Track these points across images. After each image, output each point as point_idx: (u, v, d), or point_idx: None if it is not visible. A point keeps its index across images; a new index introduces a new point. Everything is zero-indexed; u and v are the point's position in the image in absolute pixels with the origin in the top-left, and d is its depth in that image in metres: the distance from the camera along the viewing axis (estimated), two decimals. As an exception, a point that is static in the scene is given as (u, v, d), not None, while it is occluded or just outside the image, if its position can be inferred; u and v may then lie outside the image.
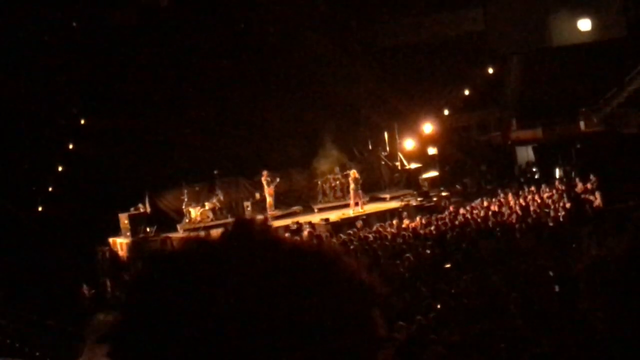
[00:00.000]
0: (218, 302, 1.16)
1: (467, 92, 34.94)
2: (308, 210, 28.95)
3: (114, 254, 26.77)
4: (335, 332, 1.18)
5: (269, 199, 27.86)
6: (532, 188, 25.57)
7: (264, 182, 27.74)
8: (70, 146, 28.42)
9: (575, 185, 24.31)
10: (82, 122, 28.61)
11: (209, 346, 1.14)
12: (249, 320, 1.15)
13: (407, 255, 18.25)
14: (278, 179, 28.00)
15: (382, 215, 26.36)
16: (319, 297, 1.20)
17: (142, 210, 27.79)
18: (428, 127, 32.86)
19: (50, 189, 28.01)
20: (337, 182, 29.76)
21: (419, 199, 28.68)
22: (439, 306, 12.89)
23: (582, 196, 22.67)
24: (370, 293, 1.27)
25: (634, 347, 2.00)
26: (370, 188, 30.42)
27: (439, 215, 24.19)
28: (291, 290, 1.19)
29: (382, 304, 1.28)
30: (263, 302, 1.17)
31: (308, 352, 1.16)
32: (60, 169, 28.27)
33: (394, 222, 24.12)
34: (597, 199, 21.95)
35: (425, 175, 30.65)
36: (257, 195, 28.48)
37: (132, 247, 25.69)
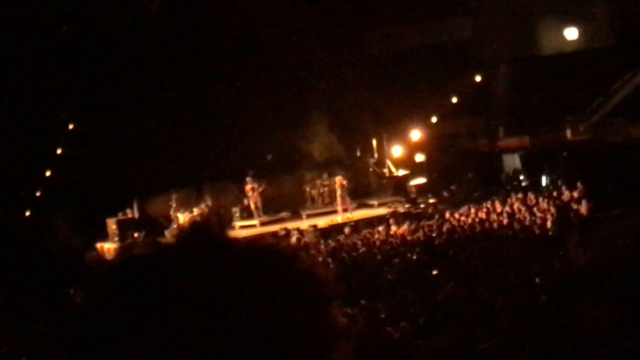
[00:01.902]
0: (173, 303, 1.18)
1: (455, 100, 35.03)
2: (296, 216, 28.97)
3: (101, 259, 26.71)
4: (291, 327, 1.21)
5: (253, 206, 27.90)
6: (519, 196, 25.67)
7: (248, 189, 27.77)
8: (59, 151, 28.35)
9: (562, 194, 24.42)
10: (71, 127, 28.55)
11: (164, 349, 1.16)
12: (203, 322, 1.16)
13: (396, 260, 18.31)
14: (263, 185, 28.01)
15: (370, 222, 26.41)
16: (274, 294, 1.22)
17: (130, 215, 27.77)
18: (416, 134, 32.97)
19: (38, 193, 27.94)
20: (326, 189, 29.80)
21: (406, 205, 28.76)
22: (425, 313, 12.93)
23: (569, 204, 22.78)
24: (326, 288, 1.29)
25: (633, 348, 2.03)
26: (359, 194, 30.49)
27: (427, 222, 24.27)
28: (246, 289, 1.21)
29: (337, 298, 1.30)
30: (218, 303, 1.18)
31: (265, 347, 1.18)
32: (48, 173, 28.20)
33: (382, 228, 24.18)
34: (583, 207, 22.06)
35: (413, 182, 30.73)
36: (245, 201, 28.52)
37: (119, 253, 25.61)
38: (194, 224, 1.33)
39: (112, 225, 26.98)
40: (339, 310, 1.29)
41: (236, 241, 1.31)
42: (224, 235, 1.32)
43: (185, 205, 28.17)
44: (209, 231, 1.30)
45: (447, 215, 24.78)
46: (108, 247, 26.78)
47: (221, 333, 1.16)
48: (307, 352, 1.22)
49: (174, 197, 28.02)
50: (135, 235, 26.62)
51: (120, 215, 27.37)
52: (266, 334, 1.18)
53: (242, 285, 1.21)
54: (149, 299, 1.20)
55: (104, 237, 27.39)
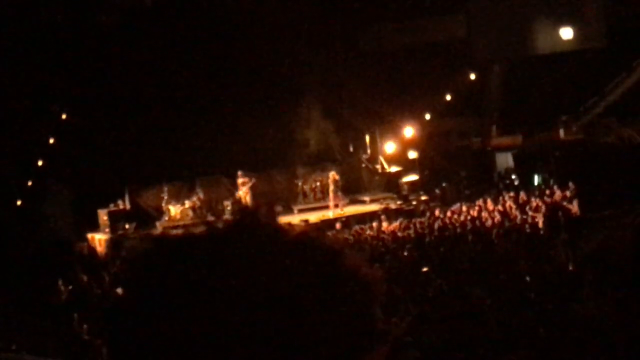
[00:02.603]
0: (221, 291, 1.16)
1: (448, 98, 35.08)
2: (288, 211, 28.96)
3: (92, 250, 26.68)
4: (332, 325, 1.18)
5: (243, 200, 27.92)
6: (511, 194, 25.74)
7: (239, 184, 27.77)
8: (51, 141, 28.29)
9: (554, 193, 24.49)
10: (64, 117, 28.49)
11: (211, 335, 1.14)
12: (250, 313, 1.15)
13: (387, 257, 18.34)
14: (254, 180, 28.01)
15: (362, 218, 26.45)
16: (320, 289, 1.20)
17: (121, 206, 27.72)
18: (409, 131, 33.02)
19: (29, 183, 27.88)
20: (318, 184, 29.83)
21: (398, 202, 28.82)
22: (415, 309, 12.96)
23: (561, 204, 22.83)
24: (371, 289, 1.26)
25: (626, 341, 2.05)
26: (351, 190, 30.53)
27: (418, 219, 24.32)
28: (295, 282, 1.18)
29: (381, 299, 1.30)
30: (266, 294, 1.16)
31: (309, 345, 1.16)
32: (40, 163, 28.14)
33: (373, 224, 24.22)
34: (574, 207, 22.11)
35: (406, 179, 30.79)
36: (237, 195, 28.51)
37: (110, 244, 25.62)
38: (243, 209, 1.31)
39: (103, 216, 26.94)
40: (380, 313, 1.26)
41: (286, 230, 1.28)
42: (274, 223, 1.29)
43: (177, 198, 28.16)
44: (259, 218, 1.28)
45: (438, 212, 24.83)
46: (99, 238, 26.75)
47: (261, 324, 1.15)
48: (345, 353, 1.19)
49: (165, 189, 28.01)
50: (127, 226, 26.59)
51: (111, 206, 27.33)
52: (307, 328, 1.17)
53: (288, 276, 1.19)
54: (191, 281, 1.18)
55: (95, 227, 27.35)
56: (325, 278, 1.22)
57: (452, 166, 33.05)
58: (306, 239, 1.27)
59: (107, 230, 26.51)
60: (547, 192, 24.89)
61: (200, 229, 1.29)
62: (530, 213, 22.02)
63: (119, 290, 1.26)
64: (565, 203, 22.68)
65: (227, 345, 1.14)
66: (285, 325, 1.16)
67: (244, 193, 27.79)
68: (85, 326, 15.98)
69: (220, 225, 1.29)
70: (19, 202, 27.18)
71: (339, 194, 28.09)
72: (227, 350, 1.14)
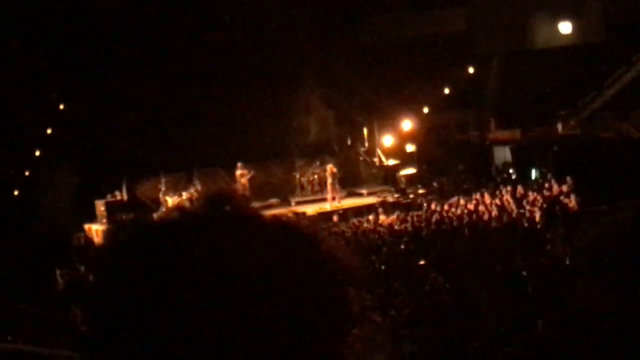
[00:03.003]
0: (196, 272, 1.16)
1: (447, 91, 35.06)
2: (285, 203, 28.95)
3: (89, 240, 26.65)
4: (308, 307, 1.20)
5: (242, 192, 27.86)
6: (509, 188, 25.72)
7: (238, 175, 27.74)
8: (49, 131, 28.24)
9: (551, 187, 24.48)
10: (62, 107, 28.44)
11: (186, 318, 1.14)
12: (224, 296, 1.15)
13: (384, 250, 18.34)
14: (252, 172, 27.96)
15: (359, 211, 26.42)
16: (295, 272, 1.21)
17: (118, 197, 27.69)
18: (407, 125, 33.00)
19: (27, 173, 27.84)
20: (315, 176, 29.82)
21: (396, 195, 28.80)
22: (412, 303, 12.97)
23: (558, 198, 22.82)
24: (348, 274, 1.28)
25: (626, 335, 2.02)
26: (348, 183, 30.51)
27: (415, 213, 24.29)
28: (269, 265, 1.19)
29: (358, 284, 1.30)
30: (241, 275, 1.17)
31: (283, 327, 1.17)
32: (37, 153, 28.09)
33: (371, 217, 24.20)
34: (572, 201, 22.12)
35: (403, 172, 30.77)
36: (235, 187, 28.48)
37: (106, 234, 25.55)
38: (219, 192, 1.31)
39: (100, 206, 26.90)
40: (357, 297, 1.28)
41: (261, 215, 1.30)
42: (249, 207, 1.30)
43: (175, 189, 28.14)
44: (235, 201, 1.29)
45: (435, 206, 24.80)
46: (96, 229, 26.70)
47: (236, 305, 1.15)
48: (321, 335, 1.21)
49: (163, 180, 27.98)
50: (124, 217, 26.44)
51: (109, 197, 27.30)
52: (282, 311, 1.17)
53: (263, 259, 1.20)
54: (166, 263, 1.18)
55: (92, 218, 27.32)
56: (300, 262, 1.23)
57: (450, 160, 33.04)
58: (281, 223, 1.29)
59: (104, 220, 26.47)
60: (546, 185, 24.85)
61: (174, 215, 1.29)
62: (527, 207, 22.02)
63: (91, 277, 1.27)
64: (562, 198, 22.69)
65: (202, 327, 1.14)
66: (259, 306, 1.16)
67: (242, 185, 27.75)
68: (81, 316, 15.93)
69: (192, 209, 1.29)
70: (16, 192, 27.13)
71: (337, 186, 28.05)
72: (202, 332, 1.14)
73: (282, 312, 1.17)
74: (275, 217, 1.31)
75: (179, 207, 1.32)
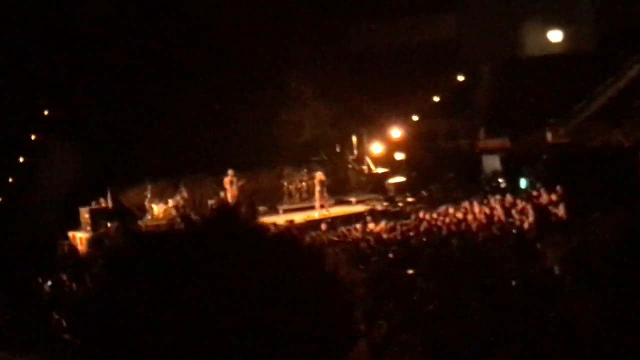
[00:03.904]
0: (198, 283, 1.13)
1: (436, 99, 34.99)
2: (273, 211, 28.81)
3: (73, 248, 26.40)
4: (312, 324, 1.16)
5: (230, 199, 27.67)
6: (498, 197, 25.59)
7: (227, 183, 27.54)
8: (33, 137, 28.02)
9: (540, 196, 24.35)
10: (46, 113, 28.21)
11: (187, 329, 1.10)
12: (226, 308, 1.11)
13: (374, 259, 18.13)
14: (243, 181, 27.80)
15: (348, 219, 26.30)
16: (300, 288, 1.18)
17: (103, 205, 27.45)
18: (396, 132, 32.92)
19: (10, 179, 27.59)
20: (304, 184, 29.70)
21: (384, 203, 28.72)
22: (400, 312, 12.77)
23: (547, 207, 22.70)
24: (350, 291, 1.28)
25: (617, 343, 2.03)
26: (337, 191, 30.40)
27: (404, 221, 24.16)
28: (273, 280, 1.16)
29: (360, 302, 1.20)
30: (243, 290, 1.13)
31: (286, 342, 1.12)
32: (21, 159, 27.86)
33: (359, 225, 24.05)
34: (561, 210, 21.99)
35: (392, 180, 30.69)
36: (222, 194, 28.28)
37: (91, 243, 25.36)
38: (222, 206, 1.30)
39: (85, 214, 26.69)
40: (359, 314, 1.16)
41: (266, 229, 1.28)
42: (253, 222, 1.28)
43: (161, 196, 27.90)
44: (238, 215, 1.26)
45: (424, 214, 24.64)
46: (80, 236, 26.48)
47: (237, 319, 1.11)
48: (325, 350, 1.17)
49: (149, 187, 27.75)
50: (109, 224, 26.31)
51: (93, 204, 27.05)
52: (284, 325, 1.13)
53: (266, 273, 1.16)
54: (168, 274, 1.15)
55: (77, 225, 27.06)
56: (304, 278, 1.21)
57: (439, 168, 32.93)
58: (286, 238, 1.27)
59: (88, 228, 26.25)
60: (535, 194, 24.74)
61: (179, 226, 1.30)
62: (516, 216, 21.89)
63: (94, 285, 1.23)
64: (551, 207, 22.56)
65: (203, 338, 1.10)
66: (262, 321, 1.12)
67: (231, 192, 27.57)
68: (64, 324, 15.82)
69: (199, 221, 1.28)
70: (-1, 199, 26.89)
71: (325, 194, 27.95)
72: (202, 344, 1.11)
73: (289, 327, 1.14)
74: (281, 233, 1.26)
75: (183, 219, 1.30)
